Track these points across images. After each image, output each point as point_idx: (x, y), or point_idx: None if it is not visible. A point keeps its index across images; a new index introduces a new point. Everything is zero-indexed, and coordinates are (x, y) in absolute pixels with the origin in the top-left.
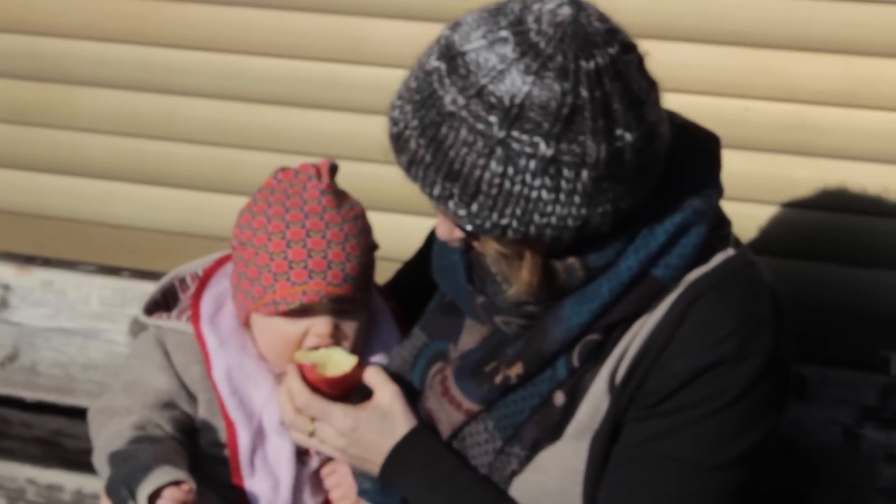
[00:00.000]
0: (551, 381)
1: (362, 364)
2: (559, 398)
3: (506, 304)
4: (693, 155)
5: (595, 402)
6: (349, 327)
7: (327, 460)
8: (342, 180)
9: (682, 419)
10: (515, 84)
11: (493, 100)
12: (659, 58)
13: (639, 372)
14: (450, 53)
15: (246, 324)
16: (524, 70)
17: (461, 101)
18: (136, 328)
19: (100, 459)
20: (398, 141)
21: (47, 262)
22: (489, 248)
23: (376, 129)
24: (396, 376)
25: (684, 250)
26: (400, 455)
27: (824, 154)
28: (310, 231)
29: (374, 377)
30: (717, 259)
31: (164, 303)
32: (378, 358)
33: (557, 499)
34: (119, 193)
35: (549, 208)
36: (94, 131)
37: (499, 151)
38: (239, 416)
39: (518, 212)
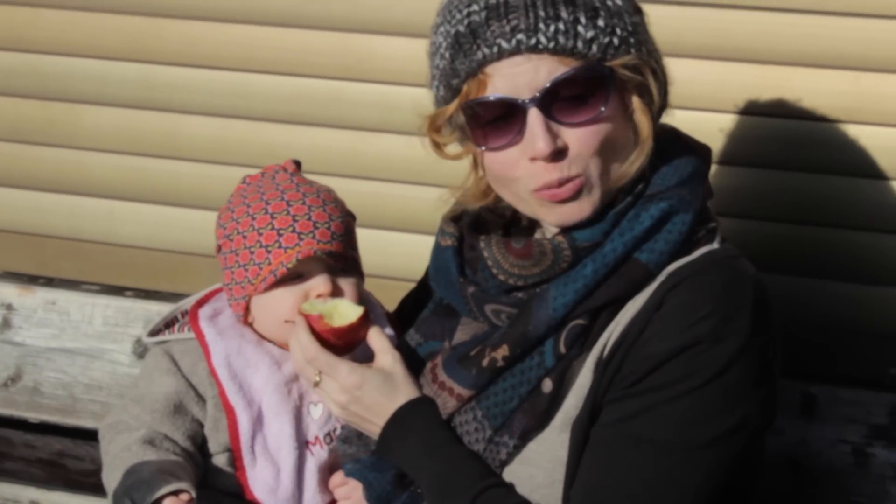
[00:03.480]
0: (539, 367)
1: (368, 317)
2: (547, 385)
3: (496, 291)
4: (682, 154)
5: (581, 392)
6: (347, 283)
7: (335, 460)
8: (345, 197)
9: (655, 399)
10: None
11: None
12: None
13: (618, 355)
14: None
15: (245, 321)
16: None
17: None
18: (140, 348)
19: (108, 475)
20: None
21: (50, 282)
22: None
23: (380, 146)
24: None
25: (669, 237)
26: (402, 417)
27: (829, 170)
28: (289, 202)
29: (376, 339)
30: (701, 251)
31: (166, 330)
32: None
33: (547, 492)
34: (122, 212)
35: (626, 18)
36: (96, 149)
37: None
38: (238, 400)
39: (622, 22)
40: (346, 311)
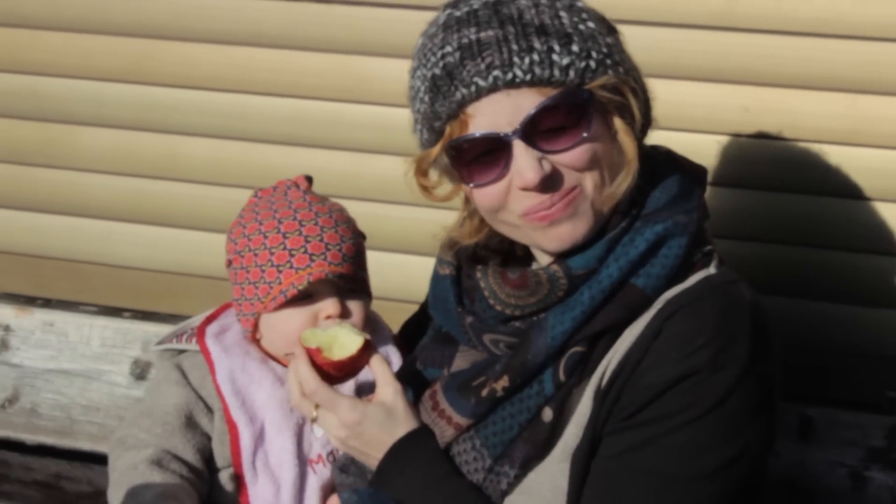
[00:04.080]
0: (539, 395)
1: (369, 346)
2: (547, 414)
3: (493, 321)
4: (676, 176)
5: (581, 421)
6: (355, 306)
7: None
8: None
9: (656, 430)
10: None
11: None
12: (661, 97)
13: (616, 385)
14: None
15: (253, 337)
16: None
17: None
18: (138, 369)
19: (112, 493)
20: (491, 41)
21: (48, 303)
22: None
23: (377, 167)
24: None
25: (665, 261)
26: (401, 451)
27: (825, 192)
28: (302, 221)
29: (378, 369)
30: (697, 276)
31: (174, 339)
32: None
33: None
34: (120, 233)
35: (600, 39)
36: (94, 171)
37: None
38: (241, 416)
39: (597, 45)
40: (346, 342)
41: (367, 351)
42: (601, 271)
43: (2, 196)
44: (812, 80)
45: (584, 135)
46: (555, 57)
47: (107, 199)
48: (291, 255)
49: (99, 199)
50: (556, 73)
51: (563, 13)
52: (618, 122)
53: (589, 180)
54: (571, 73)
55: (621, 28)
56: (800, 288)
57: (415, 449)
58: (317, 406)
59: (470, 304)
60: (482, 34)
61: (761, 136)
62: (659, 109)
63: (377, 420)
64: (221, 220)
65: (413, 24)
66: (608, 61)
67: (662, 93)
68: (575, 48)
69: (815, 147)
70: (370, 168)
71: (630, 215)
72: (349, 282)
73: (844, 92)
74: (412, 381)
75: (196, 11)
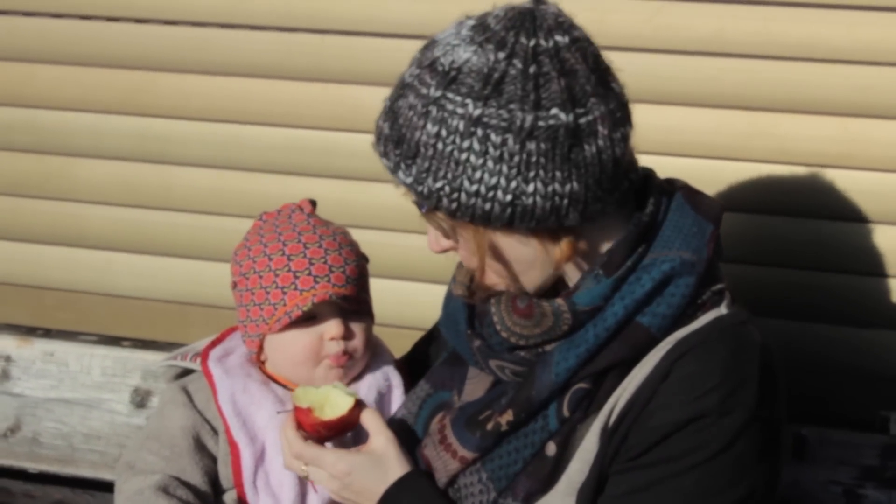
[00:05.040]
0: (543, 431)
1: (360, 403)
2: (551, 448)
3: (500, 347)
4: (687, 213)
5: (586, 456)
6: (357, 327)
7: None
8: None
9: (663, 472)
10: (460, 53)
11: (439, 68)
12: (654, 122)
13: (624, 424)
14: (426, 43)
15: (258, 359)
16: (470, 41)
17: (416, 72)
18: (138, 397)
19: None
20: (376, 128)
21: (48, 333)
22: (434, 220)
23: (373, 196)
24: (398, 424)
25: (672, 300)
26: (393, 497)
27: (817, 215)
28: (306, 244)
29: (370, 421)
30: (708, 317)
31: (178, 356)
32: (371, 387)
33: None
34: (119, 263)
35: (478, 174)
36: (93, 202)
37: (433, 111)
38: (242, 436)
39: (450, 175)
40: (337, 401)
41: (357, 409)
42: (606, 309)
43: (2, 228)
44: (803, 105)
45: (451, 242)
46: (400, 174)
47: (106, 229)
48: (296, 277)
49: (98, 230)
50: (402, 180)
51: (430, 126)
52: (466, 231)
53: (489, 275)
54: (414, 190)
55: (613, 55)
56: (791, 309)
57: (409, 493)
58: (307, 464)
59: (479, 327)
60: (379, 119)
61: (754, 160)
62: (652, 135)
63: (365, 469)
64: (219, 249)
65: (405, 53)
66: (443, 202)
67: (655, 118)
68: (414, 170)
69: (807, 170)
70: (366, 196)
71: (638, 253)
72: (352, 303)
73: (836, 115)
74: (421, 406)
75: (191, 44)
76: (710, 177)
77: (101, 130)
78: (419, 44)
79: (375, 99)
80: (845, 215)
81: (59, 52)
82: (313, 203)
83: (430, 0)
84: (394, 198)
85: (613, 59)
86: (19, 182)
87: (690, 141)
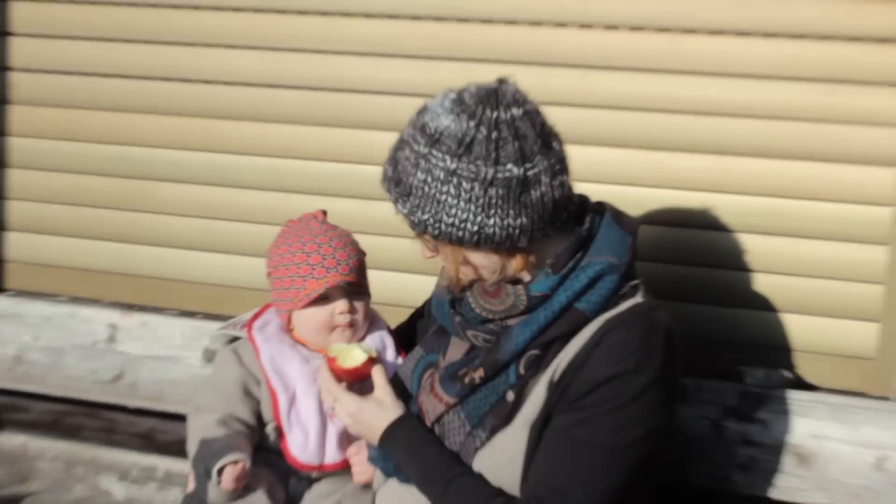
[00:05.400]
0: (505, 383)
1: (373, 360)
2: (510, 396)
3: (474, 321)
4: (614, 227)
5: (536, 401)
6: (359, 304)
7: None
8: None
9: (592, 412)
10: (442, 121)
11: (427, 130)
12: (585, 158)
13: (565, 380)
14: (420, 108)
15: (287, 328)
16: (450, 111)
17: (411, 132)
18: (209, 355)
19: (190, 444)
20: (382, 170)
21: (143, 308)
22: (424, 240)
23: (375, 210)
24: (400, 376)
25: (601, 291)
26: (390, 432)
27: (701, 227)
28: (320, 244)
29: (377, 376)
30: (628, 303)
31: (231, 326)
32: (370, 346)
33: (507, 468)
34: (192, 259)
35: (453, 211)
36: (173, 214)
37: (422, 163)
38: (278, 385)
39: (433, 210)
40: (356, 356)
41: (370, 363)
42: (553, 297)
43: (107, 232)
44: (687, 146)
45: (434, 252)
46: (398, 206)
47: (183, 234)
48: (313, 269)
49: (178, 235)
50: (400, 210)
51: (419, 174)
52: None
53: (462, 276)
54: (408, 219)
55: (552, 109)
56: (684, 295)
57: (399, 430)
58: (335, 399)
59: (459, 307)
60: (385, 163)
61: (657, 186)
62: (584, 168)
63: (370, 410)
64: (261, 248)
65: (400, 108)
66: (429, 229)
67: (585, 156)
68: (408, 204)
69: (692, 194)
70: (371, 210)
71: (577, 258)
72: (355, 287)
73: (710, 154)
74: (416, 364)
75: (245, 101)
76: (626, 199)
77: (179, 162)
78: (410, 100)
79: (378, 140)
80: (718, 226)
81: (150, 105)
82: (324, 213)
83: (420, 69)
84: (389, 213)
85: (552, 112)
86: (120, 199)
87: (612, 172)
